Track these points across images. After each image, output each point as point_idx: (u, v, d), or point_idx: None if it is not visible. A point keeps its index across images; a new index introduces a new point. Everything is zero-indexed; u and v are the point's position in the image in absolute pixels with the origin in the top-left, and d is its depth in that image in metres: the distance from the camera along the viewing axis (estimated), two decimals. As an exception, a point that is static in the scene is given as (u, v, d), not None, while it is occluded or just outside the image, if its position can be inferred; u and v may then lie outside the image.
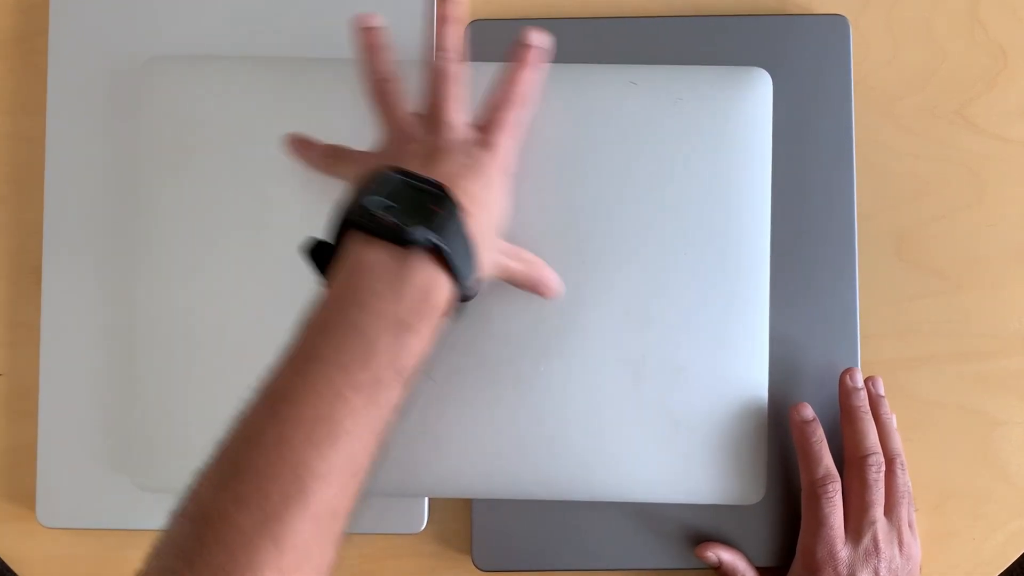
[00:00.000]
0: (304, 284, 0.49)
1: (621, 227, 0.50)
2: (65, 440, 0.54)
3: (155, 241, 0.51)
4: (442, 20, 0.48)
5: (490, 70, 0.51)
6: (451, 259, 0.40)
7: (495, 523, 0.54)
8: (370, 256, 0.39)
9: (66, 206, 0.54)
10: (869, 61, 0.57)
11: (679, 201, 0.50)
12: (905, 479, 0.51)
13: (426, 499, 0.54)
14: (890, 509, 0.50)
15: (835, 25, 0.56)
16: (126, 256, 0.54)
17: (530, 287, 0.48)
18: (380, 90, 0.47)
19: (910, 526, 0.51)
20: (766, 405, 0.51)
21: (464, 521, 0.55)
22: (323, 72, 0.51)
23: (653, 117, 0.50)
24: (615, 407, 0.50)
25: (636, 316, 0.50)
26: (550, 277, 0.48)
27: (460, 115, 0.46)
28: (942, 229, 0.57)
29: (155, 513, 0.53)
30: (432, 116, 0.46)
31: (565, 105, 0.50)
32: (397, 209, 0.39)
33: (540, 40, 0.47)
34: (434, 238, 0.39)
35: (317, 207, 0.50)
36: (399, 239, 0.39)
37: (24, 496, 0.55)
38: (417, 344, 0.39)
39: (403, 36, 0.54)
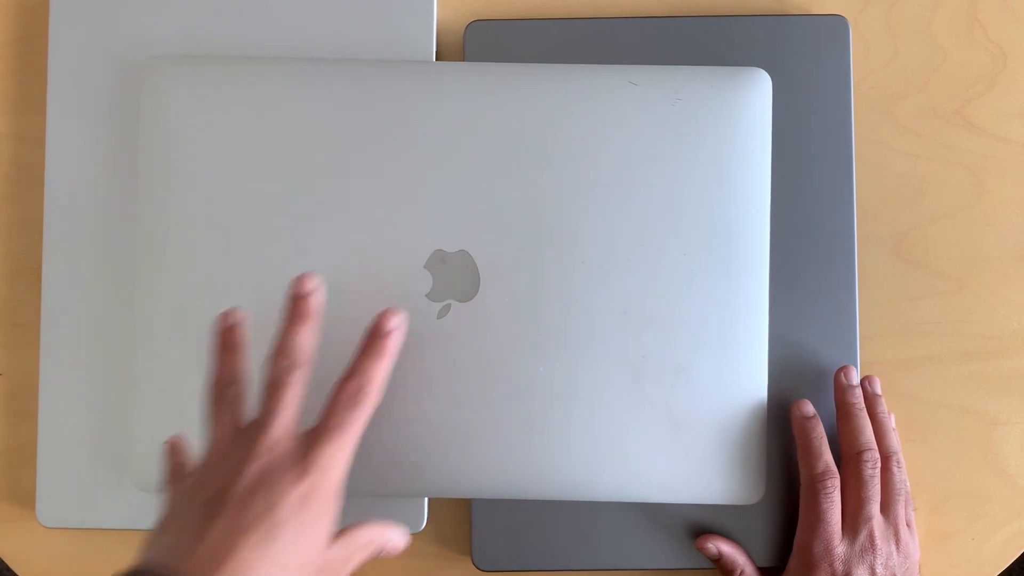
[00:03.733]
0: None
1: (620, 227, 0.50)
2: (65, 440, 0.54)
3: (155, 241, 0.51)
4: (291, 319, 0.43)
5: (490, 71, 0.52)
6: None
7: (495, 523, 0.54)
8: None
9: (66, 206, 0.54)
10: (869, 61, 0.57)
11: (679, 201, 0.50)
12: (902, 477, 0.51)
13: (426, 499, 0.54)
14: (887, 506, 0.50)
15: (835, 25, 0.56)
16: (126, 256, 0.54)
17: (376, 557, 0.44)
18: (218, 395, 0.43)
19: (908, 524, 0.51)
20: (766, 405, 0.51)
21: (464, 521, 0.55)
22: (325, 72, 0.51)
23: (653, 117, 0.50)
24: (615, 407, 0.50)
25: (636, 316, 0.50)
26: (392, 537, 0.44)
27: (287, 429, 0.41)
28: (942, 229, 0.57)
29: (155, 513, 0.53)
30: (255, 430, 0.41)
31: (565, 105, 0.50)
32: None
33: (399, 323, 0.44)
34: None
35: (317, 206, 0.50)
36: None
37: (24, 496, 0.55)
38: None
39: (404, 36, 0.55)
